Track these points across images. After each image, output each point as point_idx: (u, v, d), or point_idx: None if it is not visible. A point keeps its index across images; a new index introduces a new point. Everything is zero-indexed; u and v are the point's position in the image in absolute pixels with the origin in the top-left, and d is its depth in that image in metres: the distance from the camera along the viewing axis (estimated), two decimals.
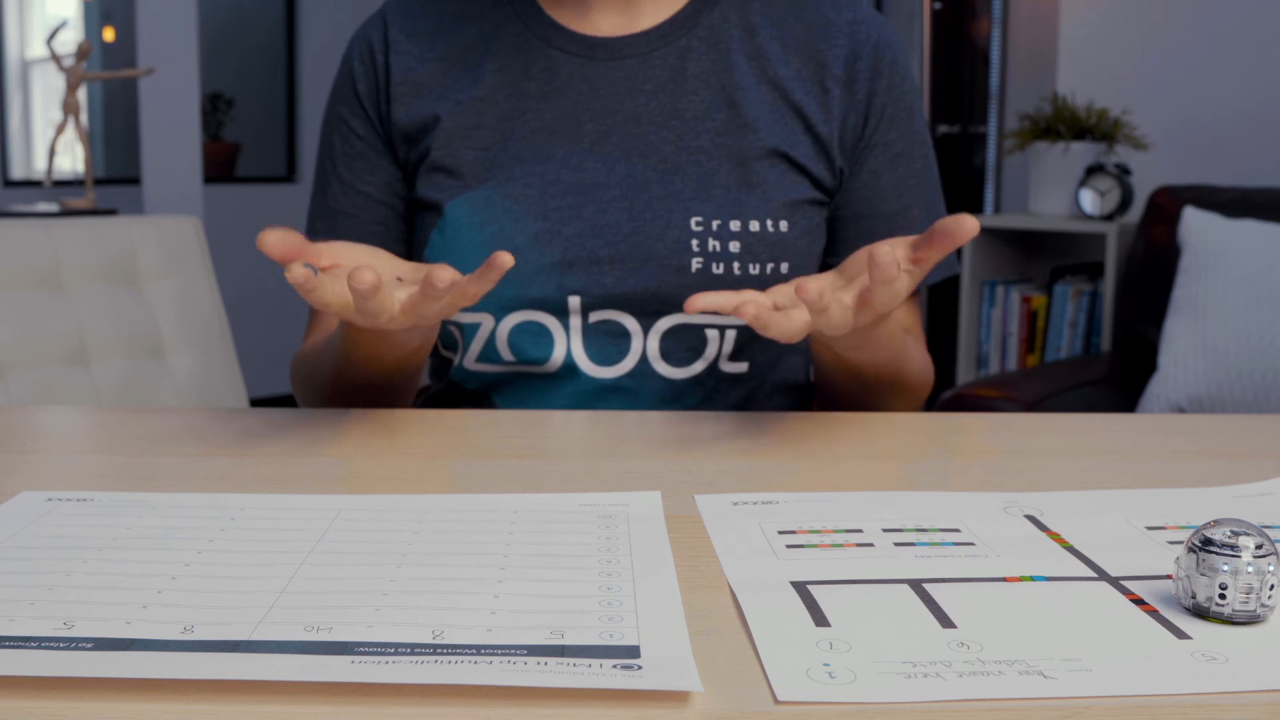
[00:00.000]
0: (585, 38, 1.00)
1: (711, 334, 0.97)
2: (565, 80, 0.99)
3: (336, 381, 0.94)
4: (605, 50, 1.00)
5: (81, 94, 2.53)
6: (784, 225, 0.97)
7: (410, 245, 1.04)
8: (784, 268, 0.97)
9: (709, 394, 0.99)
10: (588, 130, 0.98)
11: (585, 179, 0.96)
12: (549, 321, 0.96)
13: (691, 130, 0.97)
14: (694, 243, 0.95)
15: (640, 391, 0.95)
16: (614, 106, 0.98)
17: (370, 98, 1.03)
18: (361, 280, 0.64)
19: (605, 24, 1.01)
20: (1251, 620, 0.46)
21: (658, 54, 1.00)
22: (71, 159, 4.44)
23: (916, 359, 1.00)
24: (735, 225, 0.95)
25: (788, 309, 0.70)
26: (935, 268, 1.02)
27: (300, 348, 1.06)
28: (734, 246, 0.95)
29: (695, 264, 0.95)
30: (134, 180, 3.72)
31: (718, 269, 0.95)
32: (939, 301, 3.52)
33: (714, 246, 0.95)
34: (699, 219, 0.95)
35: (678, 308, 0.96)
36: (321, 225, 1.05)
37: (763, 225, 0.96)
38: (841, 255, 1.03)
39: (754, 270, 0.96)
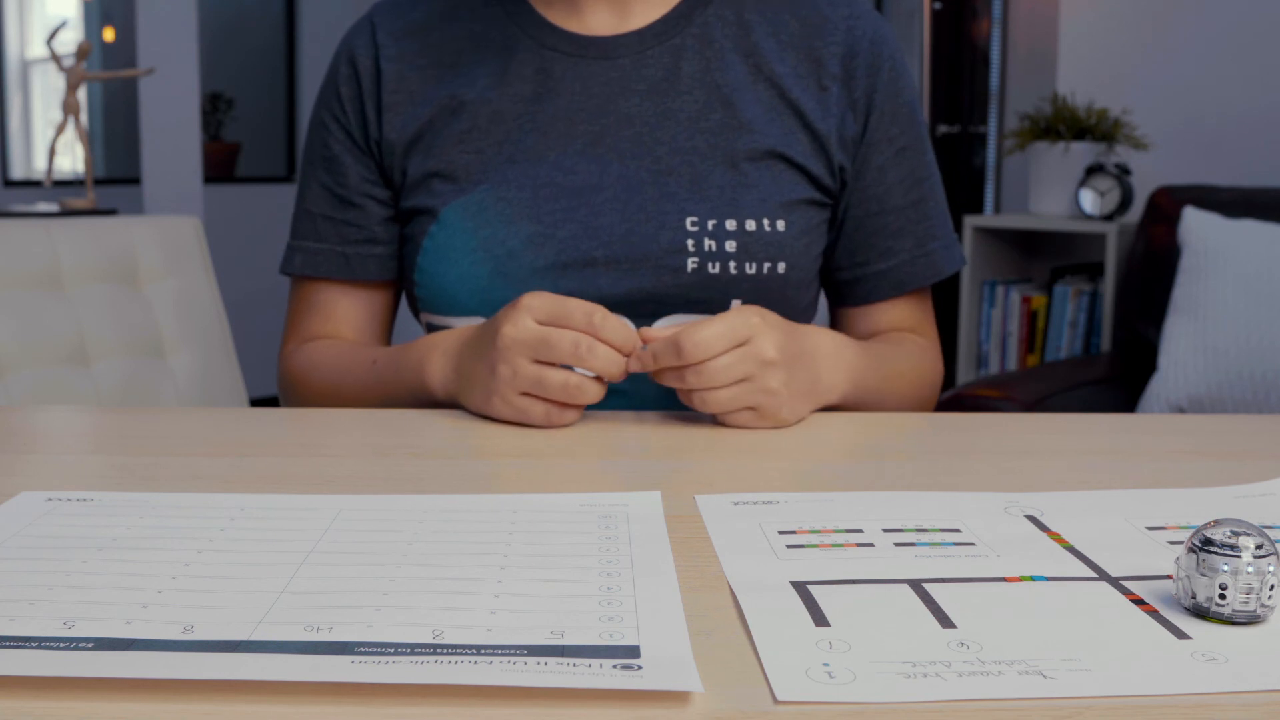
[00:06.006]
0: (577, 37, 1.00)
1: None
2: (558, 80, 0.99)
3: (372, 404, 0.95)
4: (597, 49, 0.99)
5: (81, 94, 2.52)
6: (781, 225, 0.96)
7: (392, 247, 1.04)
8: (781, 267, 0.96)
9: None
10: (580, 131, 0.97)
11: (578, 181, 0.96)
12: None
13: (685, 131, 0.97)
14: (689, 243, 0.95)
15: (636, 394, 0.95)
16: (606, 107, 0.98)
17: (353, 103, 1.02)
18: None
19: (597, 22, 1.00)
20: (1251, 620, 0.46)
21: (651, 53, 0.99)
22: (71, 159, 4.44)
23: (908, 373, 1.00)
24: (731, 225, 0.95)
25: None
26: (948, 259, 1.03)
27: (301, 346, 1.05)
28: (730, 246, 0.95)
29: (691, 264, 0.95)
30: (134, 180, 3.72)
31: (714, 268, 0.95)
32: (939, 301, 3.51)
33: (710, 246, 0.95)
34: (694, 219, 0.95)
35: (674, 308, 0.96)
36: (302, 227, 1.05)
37: (759, 225, 0.96)
38: (861, 256, 1.03)
39: (750, 270, 0.95)
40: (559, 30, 1.00)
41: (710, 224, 0.95)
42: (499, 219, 0.96)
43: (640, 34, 1.00)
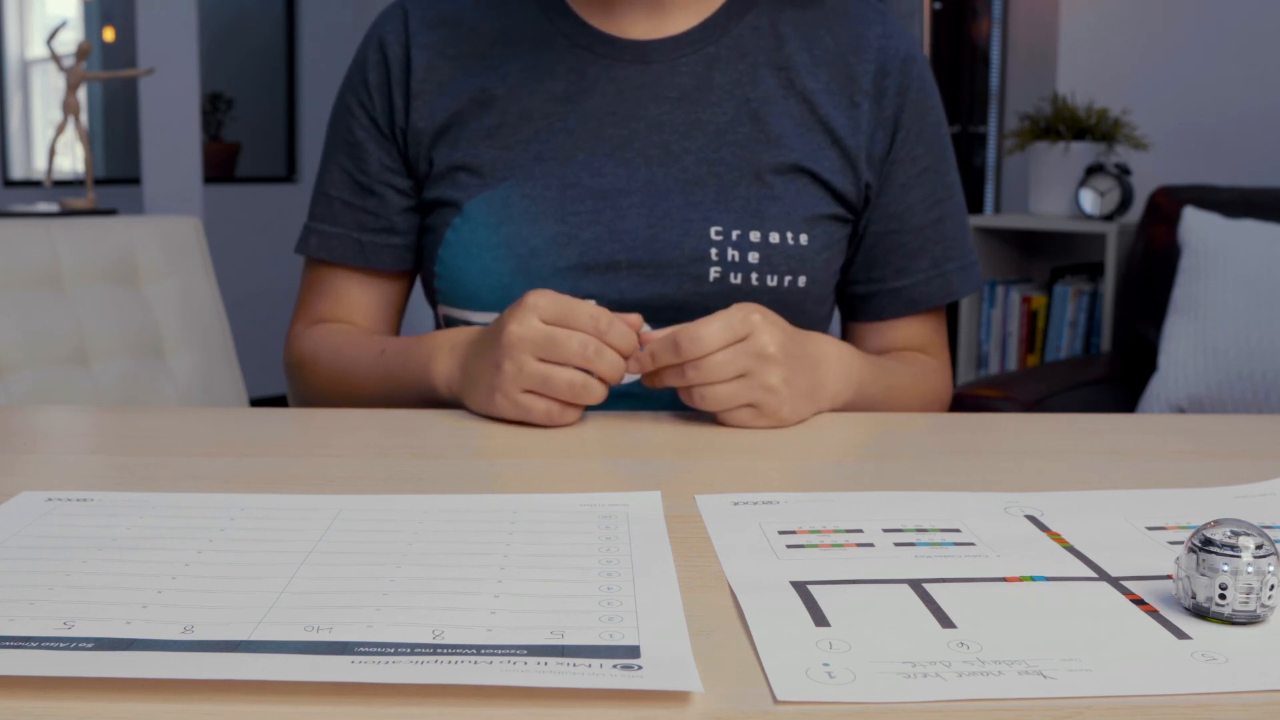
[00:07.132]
0: (613, 39, 0.99)
1: None
2: (591, 82, 0.98)
3: (375, 398, 0.95)
4: (632, 53, 0.99)
5: (81, 94, 2.52)
6: (804, 239, 0.96)
7: (409, 238, 1.03)
8: (801, 280, 0.97)
9: None
10: (610, 134, 0.97)
11: (605, 184, 0.96)
12: None
13: (713, 143, 0.97)
14: (713, 252, 0.95)
15: (651, 397, 0.95)
16: (638, 111, 0.97)
17: (381, 90, 1.02)
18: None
19: (633, 26, 1.00)
20: (1251, 620, 0.46)
21: (685, 61, 0.99)
22: (71, 159, 4.44)
23: (913, 387, 1.00)
24: (755, 236, 0.95)
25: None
26: (965, 281, 1.03)
27: (310, 328, 1.04)
28: (753, 257, 0.95)
29: (714, 273, 0.95)
30: (134, 180, 3.72)
31: (735, 279, 0.95)
32: None
33: (733, 256, 0.95)
34: (718, 228, 0.95)
35: (693, 314, 0.95)
36: (320, 209, 1.05)
37: (782, 237, 0.96)
38: (877, 272, 1.03)
39: (771, 282, 0.95)
40: (594, 31, 1.00)
41: (734, 234, 0.95)
42: (523, 216, 0.96)
43: (675, 40, 0.99)
